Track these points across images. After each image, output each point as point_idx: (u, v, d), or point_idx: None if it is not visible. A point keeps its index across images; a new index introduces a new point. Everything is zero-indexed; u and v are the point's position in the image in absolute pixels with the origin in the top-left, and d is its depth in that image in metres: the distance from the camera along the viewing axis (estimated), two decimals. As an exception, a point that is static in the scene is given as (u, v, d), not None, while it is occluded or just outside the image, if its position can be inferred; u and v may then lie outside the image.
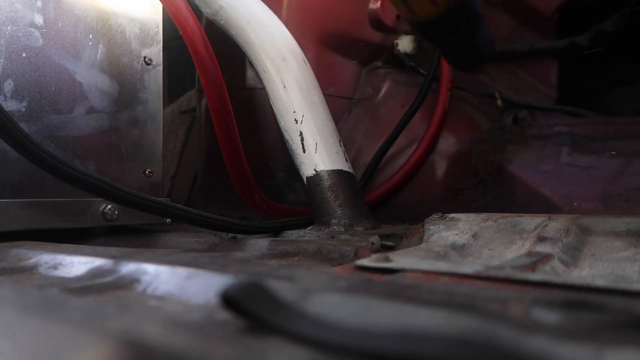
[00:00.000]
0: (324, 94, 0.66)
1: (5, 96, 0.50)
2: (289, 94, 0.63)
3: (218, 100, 0.62)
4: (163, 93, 0.63)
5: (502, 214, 0.52)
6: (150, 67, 0.62)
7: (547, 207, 0.70)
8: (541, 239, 0.40)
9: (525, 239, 0.42)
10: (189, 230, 0.64)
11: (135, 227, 0.62)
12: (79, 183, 0.43)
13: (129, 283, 0.31)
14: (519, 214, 0.52)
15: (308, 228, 0.61)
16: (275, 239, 0.52)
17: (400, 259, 0.35)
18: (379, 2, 0.80)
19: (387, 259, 0.35)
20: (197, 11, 0.65)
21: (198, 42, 0.61)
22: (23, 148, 0.41)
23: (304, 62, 0.66)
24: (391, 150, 0.78)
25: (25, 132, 0.41)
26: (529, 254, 0.38)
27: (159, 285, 0.30)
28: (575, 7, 0.87)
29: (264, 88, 0.66)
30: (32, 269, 0.37)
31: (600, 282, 0.28)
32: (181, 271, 0.30)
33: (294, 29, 0.69)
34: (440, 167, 0.78)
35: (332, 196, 0.60)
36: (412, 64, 0.84)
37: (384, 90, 0.84)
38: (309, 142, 0.61)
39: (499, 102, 0.83)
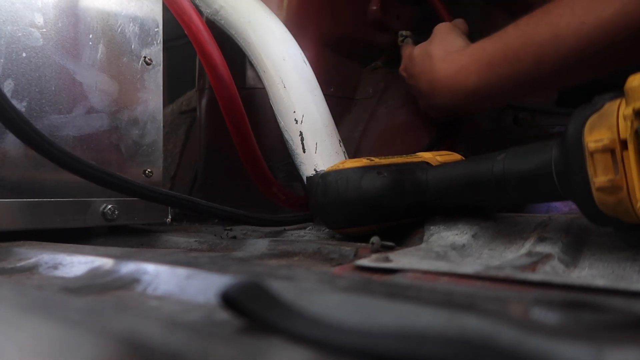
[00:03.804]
0: (324, 94, 0.66)
1: (5, 96, 0.50)
2: (289, 94, 0.63)
3: (228, 98, 0.62)
4: (163, 93, 0.63)
5: (502, 214, 0.52)
6: (150, 67, 0.62)
7: (547, 207, 0.70)
8: (541, 239, 0.40)
9: (525, 239, 0.42)
10: (189, 230, 0.64)
11: (135, 227, 0.62)
12: (92, 178, 0.46)
13: (129, 283, 0.31)
14: (519, 214, 0.52)
15: (308, 228, 0.61)
16: (275, 239, 0.52)
17: (400, 259, 0.35)
18: (379, 3, 0.80)
19: (387, 259, 0.35)
20: (197, 11, 0.65)
21: (204, 40, 0.61)
22: (37, 146, 0.43)
23: (304, 62, 0.66)
24: (391, 151, 0.78)
25: (38, 130, 0.43)
26: (529, 254, 0.38)
27: (159, 285, 0.30)
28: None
29: (264, 88, 0.66)
30: (32, 269, 0.37)
31: (600, 282, 0.28)
32: (181, 271, 0.29)
33: (294, 29, 0.69)
34: (441, 167, 0.78)
35: (332, 196, 0.60)
36: (412, 63, 0.84)
37: (384, 90, 0.84)
38: (309, 142, 0.61)
39: None
